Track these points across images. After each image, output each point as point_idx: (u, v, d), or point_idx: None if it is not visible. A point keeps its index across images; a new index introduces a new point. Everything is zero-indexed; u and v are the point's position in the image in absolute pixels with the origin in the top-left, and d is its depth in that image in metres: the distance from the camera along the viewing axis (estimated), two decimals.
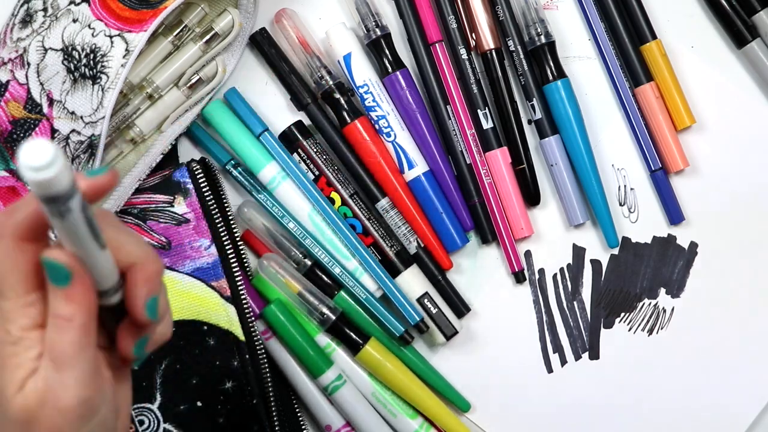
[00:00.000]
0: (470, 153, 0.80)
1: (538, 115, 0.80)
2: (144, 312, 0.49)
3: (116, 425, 0.52)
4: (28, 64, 0.72)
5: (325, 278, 0.79)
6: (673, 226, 0.81)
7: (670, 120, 0.80)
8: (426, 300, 0.79)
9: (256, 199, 0.79)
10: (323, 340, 0.79)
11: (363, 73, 0.79)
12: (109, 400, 0.50)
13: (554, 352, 0.81)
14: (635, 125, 0.81)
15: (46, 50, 0.72)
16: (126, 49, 0.71)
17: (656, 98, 0.80)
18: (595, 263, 0.81)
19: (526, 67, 0.80)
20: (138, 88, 0.77)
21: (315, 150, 0.79)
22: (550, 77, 0.79)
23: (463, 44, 0.80)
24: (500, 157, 0.80)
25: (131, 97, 0.77)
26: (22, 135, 0.72)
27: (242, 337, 0.75)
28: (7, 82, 0.73)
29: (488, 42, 0.80)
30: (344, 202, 0.79)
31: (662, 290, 0.81)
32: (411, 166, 0.79)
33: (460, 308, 0.80)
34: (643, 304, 0.81)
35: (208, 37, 0.78)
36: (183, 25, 0.77)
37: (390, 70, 0.79)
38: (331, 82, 0.79)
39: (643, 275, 0.81)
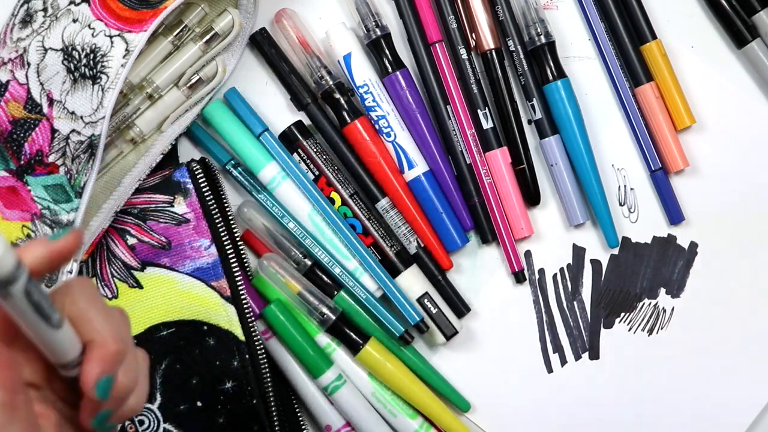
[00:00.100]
0: (470, 153, 0.80)
1: (538, 115, 0.80)
2: (93, 391, 0.49)
3: None
4: (28, 64, 0.72)
5: (325, 278, 0.79)
6: (673, 226, 0.81)
7: (670, 120, 0.81)
8: (426, 300, 0.79)
9: (256, 199, 0.79)
10: (323, 340, 0.79)
11: (363, 73, 0.79)
12: None
13: (554, 352, 0.81)
14: (635, 125, 0.81)
15: (46, 50, 0.72)
16: (126, 49, 0.71)
17: (656, 98, 0.80)
18: (595, 263, 0.81)
19: (526, 67, 0.80)
20: (138, 88, 0.77)
21: (315, 150, 0.79)
22: (550, 77, 0.79)
23: (463, 44, 0.80)
24: (500, 157, 0.80)
25: (131, 97, 0.77)
26: (22, 135, 0.72)
27: (242, 337, 0.75)
28: (7, 82, 0.73)
29: (488, 42, 0.80)
30: (344, 202, 0.79)
31: (662, 290, 0.81)
32: (411, 166, 0.79)
33: (460, 308, 0.80)
34: (643, 304, 0.81)
35: (208, 37, 0.78)
36: (183, 25, 0.77)
37: (390, 70, 0.79)
38: (331, 82, 0.79)
39: (643, 275, 0.81)
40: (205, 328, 0.75)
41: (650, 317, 0.81)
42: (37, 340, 0.47)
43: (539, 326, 0.81)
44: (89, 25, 0.71)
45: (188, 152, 0.81)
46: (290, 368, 0.79)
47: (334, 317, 0.78)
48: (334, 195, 0.79)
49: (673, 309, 0.81)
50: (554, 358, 0.81)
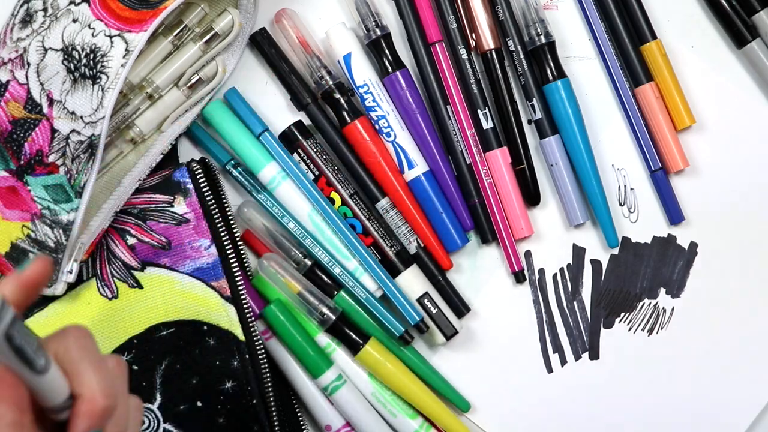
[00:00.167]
0: (470, 153, 0.80)
1: (538, 115, 0.80)
2: None
3: None
4: (28, 64, 0.72)
5: (325, 278, 0.79)
6: (673, 226, 0.81)
7: (670, 120, 0.81)
8: (426, 300, 0.79)
9: (256, 199, 0.79)
10: (323, 340, 0.79)
11: (363, 73, 0.79)
12: None
13: (554, 352, 0.81)
14: (635, 125, 0.81)
15: (46, 50, 0.72)
16: (126, 49, 0.71)
17: (656, 98, 0.80)
18: (595, 263, 0.81)
19: (526, 67, 0.80)
20: (138, 88, 0.77)
21: (315, 150, 0.79)
22: (550, 77, 0.79)
23: (463, 44, 0.80)
24: (500, 157, 0.80)
25: (131, 97, 0.77)
26: (22, 135, 0.72)
27: (242, 337, 0.75)
28: (7, 82, 0.73)
29: (488, 42, 0.80)
30: (344, 202, 0.79)
31: (662, 290, 0.81)
32: (411, 166, 0.79)
33: (460, 308, 0.80)
34: (643, 304, 0.81)
35: (208, 37, 0.78)
36: (183, 25, 0.77)
37: (390, 70, 0.79)
38: (331, 82, 0.79)
39: (643, 275, 0.81)
40: (205, 328, 0.75)
41: (650, 317, 0.81)
42: (24, 380, 0.47)
43: (539, 326, 0.81)
44: (89, 25, 0.71)
45: (188, 152, 0.81)
46: (290, 368, 0.79)
47: (334, 317, 0.78)
48: (334, 195, 0.79)
49: (673, 309, 0.81)
50: (554, 358, 0.81)
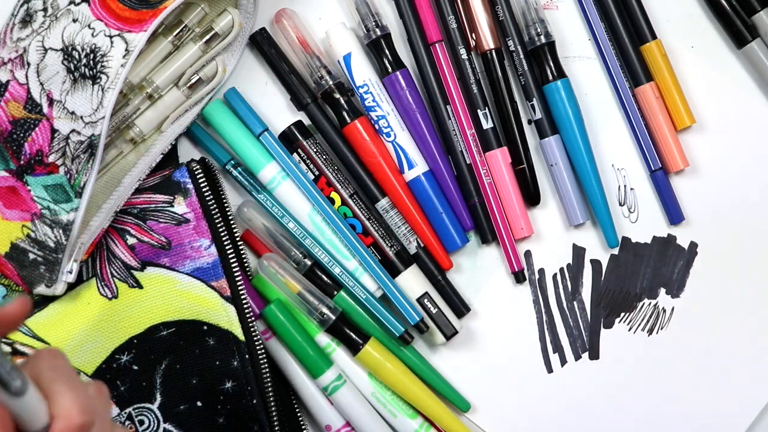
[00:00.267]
0: (470, 153, 0.80)
1: (538, 115, 0.80)
2: None
3: None
4: (28, 64, 0.72)
5: (325, 278, 0.79)
6: (673, 226, 0.81)
7: (670, 120, 0.80)
8: (426, 300, 0.79)
9: (256, 199, 0.79)
10: (323, 340, 0.79)
11: (363, 73, 0.79)
12: None
13: (554, 352, 0.81)
14: (635, 125, 0.81)
15: (46, 50, 0.72)
16: (126, 49, 0.71)
17: (656, 98, 0.80)
18: (595, 263, 0.81)
19: (526, 67, 0.80)
20: (138, 88, 0.77)
21: (315, 150, 0.79)
22: (550, 77, 0.79)
23: (463, 44, 0.80)
24: (500, 157, 0.80)
25: (131, 97, 0.77)
26: (22, 135, 0.72)
27: (242, 337, 0.75)
28: (7, 82, 0.73)
29: (488, 42, 0.80)
30: (344, 202, 0.79)
31: (662, 290, 0.81)
32: (411, 166, 0.79)
33: (460, 308, 0.80)
34: (643, 304, 0.81)
35: (208, 37, 0.78)
36: (183, 25, 0.77)
37: (390, 70, 0.79)
38: (331, 82, 0.79)
39: (643, 275, 0.81)
40: (205, 328, 0.75)
41: (650, 317, 0.81)
42: (3, 403, 0.47)
43: (539, 326, 0.81)
44: (89, 25, 0.71)
45: (188, 152, 0.81)
46: (290, 368, 0.79)
47: (333, 317, 0.78)
48: (334, 195, 0.79)
49: (673, 309, 0.81)
50: (554, 358, 0.81)
